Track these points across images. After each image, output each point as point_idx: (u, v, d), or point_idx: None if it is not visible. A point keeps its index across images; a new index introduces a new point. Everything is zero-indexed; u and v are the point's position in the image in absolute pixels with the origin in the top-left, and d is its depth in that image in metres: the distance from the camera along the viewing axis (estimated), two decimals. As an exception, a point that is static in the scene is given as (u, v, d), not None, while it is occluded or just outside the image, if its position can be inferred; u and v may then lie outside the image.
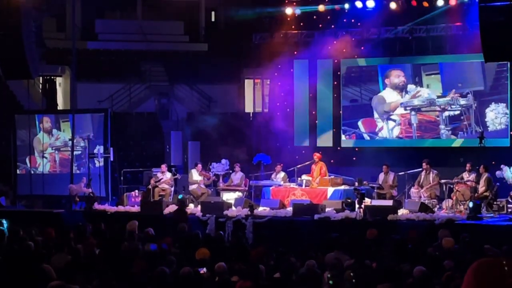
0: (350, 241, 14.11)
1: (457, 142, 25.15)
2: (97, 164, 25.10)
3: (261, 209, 21.51)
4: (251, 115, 31.40)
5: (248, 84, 32.84)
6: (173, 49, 33.16)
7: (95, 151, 24.91)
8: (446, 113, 25.38)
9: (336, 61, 27.00)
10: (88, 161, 24.73)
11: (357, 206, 20.02)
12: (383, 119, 26.16)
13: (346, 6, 26.19)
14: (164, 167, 23.85)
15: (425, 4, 24.99)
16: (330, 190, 22.05)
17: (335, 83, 27.05)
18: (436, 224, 18.49)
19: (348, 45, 26.70)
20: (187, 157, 28.71)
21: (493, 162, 22.10)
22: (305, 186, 22.49)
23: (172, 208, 21.78)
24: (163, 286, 10.49)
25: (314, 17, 27.02)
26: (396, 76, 25.96)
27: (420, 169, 22.08)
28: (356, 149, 26.69)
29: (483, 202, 20.21)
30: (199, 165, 23.91)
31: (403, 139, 26.02)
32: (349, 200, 20.64)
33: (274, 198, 22.24)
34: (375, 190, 22.18)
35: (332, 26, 26.79)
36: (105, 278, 10.71)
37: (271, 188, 22.79)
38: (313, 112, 27.38)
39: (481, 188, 20.68)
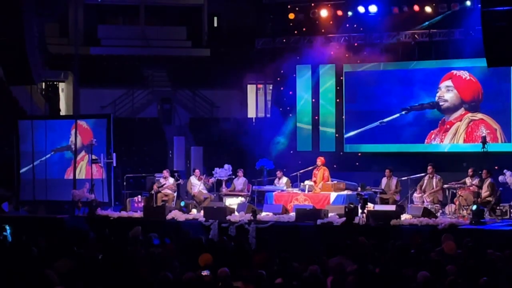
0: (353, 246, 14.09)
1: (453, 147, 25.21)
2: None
3: (264, 214, 21.51)
4: (253, 120, 31.38)
5: (251, 89, 32.83)
6: (175, 55, 33.19)
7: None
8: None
9: (338, 66, 27.00)
10: (91, 167, 24.69)
11: (360, 211, 20.00)
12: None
13: (349, 11, 26.25)
14: (166, 172, 23.81)
15: (428, 9, 25.03)
16: (333, 195, 22.04)
17: (338, 88, 27.05)
18: (439, 229, 18.47)
19: (350, 50, 26.72)
20: (190, 163, 28.69)
21: (496, 167, 22.07)
22: (308, 191, 22.47)
23: (176, 213, 21.80)
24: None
25: (317, 22, 27.03)
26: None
27: (423, 174, 22.06)
28: (359, 154, 26.68)
29: (486, 207, 20.18)
30: (197, 171, 23.88)
31: (406, 144, 25.98)
32: (351, 205, 20.61)
33: (277, 203, 22.23)
34: (378, 195, 22.15)
35: (335, 31, 26.81)
36: (108, 284, 10.72)
37: (274, 193, 22.77)
38: (316, 117, 27.38)
39: (484, 193, 20.65)
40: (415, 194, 21.87)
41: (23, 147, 26.20)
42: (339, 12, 26.52)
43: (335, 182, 22.69)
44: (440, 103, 25.43)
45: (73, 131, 25.66)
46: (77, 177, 25.18)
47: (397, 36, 25.98)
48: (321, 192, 22.34)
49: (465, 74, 25.02)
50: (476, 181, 20.92)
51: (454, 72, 25.23)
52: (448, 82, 25.32)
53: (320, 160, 23.00)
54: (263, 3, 28.17)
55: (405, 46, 26.11)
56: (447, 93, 25.35)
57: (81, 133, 25.71)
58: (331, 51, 26.80)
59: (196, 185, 23.60)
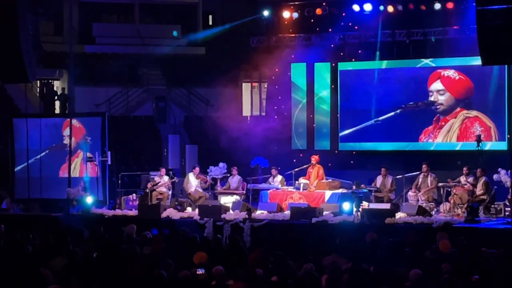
0: (348, 245, 14.11)
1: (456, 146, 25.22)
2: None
3: (259, 213, 21.53)
4: (248, 118, 31.39)
5: (246, 87, 32.85)
6: (170, 53, 33.17)
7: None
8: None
9: (333, 64, 27.01)
10: (86, 165, 24.67)
11: (354, 209, 20.01)
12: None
13: (344, 9, 26.27)
14: (163, 170, 23.82)
15: (423, 7, 25.05)
16: (328, 193, 22.04)
17: (333, 86, 27.06)
18: (433, 228, 18.50)
19: (345, 49, 26.73)
20: (185, 161, 28.69)
21: (491, 165, 22.08)
22: (303, 189, 22.48)
23: (170, 211, 21.78)
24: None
25: (312, 20, 27.04)
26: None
27: (418, 172, 22.09)
28: (354, 152, 26.69)
29: (480, 205, 20.22)
30: (197, 168, 23.86)
31: (401, 142, 25.99)
32: (346, 205, 20.60)
33: (272, 202, 22.24)
34: (373, 194, 22.17)
35: (330, 30, 26.82)
36: (103, 282, 10.72)
37: (268, 191, 22.78)
38: (311, 116, 27.39)
39: (479, 191, 20.68)
40: (409, 193, 21.91)
41: (18, 145, 26.16)
42: (334, 11, 26.52)
43: (330, 180, 22.72)
44: (437, 107, 25.40)
45: (67, 129, 25.62)
46: (71, 175, 25.14)
47: (392, 34, 25.99)
48: (316, 191, 22.34)
49: (453, 74, 25.03)
50: (470, 179, 20.95)
51: (442, 72, 25.24)
52: (439, 85, 25.29)
53: (314, 159, 23.01)
54: (258, 1, 28.16)
55: (400, 45, 26.12)
56: (440, 96, 25.35)
57: (76, 131, 25.68)
58: (326, 50, 26.82)
59: (194, 182, 23.56)
